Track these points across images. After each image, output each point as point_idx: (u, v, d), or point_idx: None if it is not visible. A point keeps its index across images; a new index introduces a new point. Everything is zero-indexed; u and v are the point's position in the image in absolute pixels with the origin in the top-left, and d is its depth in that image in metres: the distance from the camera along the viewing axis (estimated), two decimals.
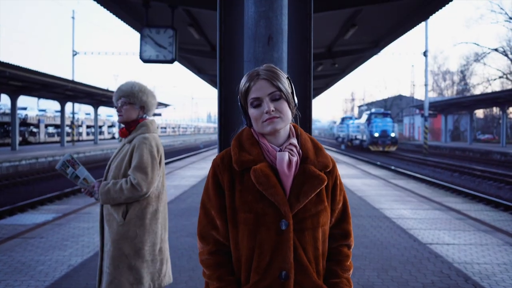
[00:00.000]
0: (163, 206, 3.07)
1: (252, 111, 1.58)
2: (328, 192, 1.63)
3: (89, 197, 3.16)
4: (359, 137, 41.88)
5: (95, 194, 2.99)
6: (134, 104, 3.00)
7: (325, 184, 1.58)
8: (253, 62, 1.82)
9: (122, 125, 3.10)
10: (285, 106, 1.56)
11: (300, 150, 1.61)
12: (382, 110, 42.00)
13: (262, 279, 1.53)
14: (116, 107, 3.06)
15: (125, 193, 2.82)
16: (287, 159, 1.54)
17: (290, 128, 1.64)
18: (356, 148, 42.51)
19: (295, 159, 1.56)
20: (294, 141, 1.61)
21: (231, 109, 2.07)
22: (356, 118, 54.61)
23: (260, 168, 1.53)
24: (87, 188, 2.98)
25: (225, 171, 1.59)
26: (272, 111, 1.53)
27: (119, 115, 3.02)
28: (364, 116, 40.90)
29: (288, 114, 1.58)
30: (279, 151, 1.57)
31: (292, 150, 1.58)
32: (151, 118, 3.18)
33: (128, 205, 2.90)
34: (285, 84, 1.58)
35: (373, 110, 41.80)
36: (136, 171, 2.85)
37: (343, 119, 55.55)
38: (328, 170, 1.62)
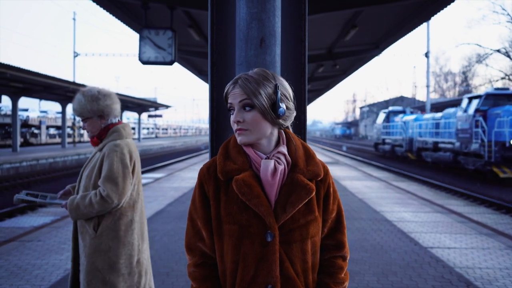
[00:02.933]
0: (139, 215, 2.92)
1: (230, 117, 1.53)
2: (320, 201, 1.56)
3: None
4: (448, 145, 20.47)
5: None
6: (91, 117, 2.83)
7: (314, 194, 1.50)
8: (245, 65, 1.76)
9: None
10: (256, 118, 1.46)
11: (290, 158, 1.53)
12: (510, 90, 19.24)
13: None
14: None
15: (96, 207, 2.67)
16: (272, 167, 1.47)
17: (280, 134, 1.56)
18: (436, 168, 22.94)
19: (281, 167, 1.49)
20: (283, 148, 1.53)
21: (223, 115, 2.00)
22: (412, 112, 31.78)
23: (243, 178, 1.46)
24: (56, 205, 2.86)
25: (211, 181, 1.53)
26: (239, 122, 1.47)
27: (87, 132, 2.88)
28: (471, 104, 18.76)
29: (261, 127, 1.48)
30: (265, 158, 1.50)
31: (279, 158, 1.51)
32: (125, 121, 3.03)
33: (100, 217, 2.76)
34: (262, 95, 1.46)
35: (489, 89, 21.23)
36: (106, 182, 2.69)
37: (389, 114, 32.41)
38: (320, 178, 1.55)
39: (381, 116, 34.48)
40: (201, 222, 1.56)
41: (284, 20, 1.93)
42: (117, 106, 2.94)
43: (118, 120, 2.98)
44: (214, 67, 1.97)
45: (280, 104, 1.48)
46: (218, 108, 1.99)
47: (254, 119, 1.46)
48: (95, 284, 2.70)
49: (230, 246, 1.49)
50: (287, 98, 1.53)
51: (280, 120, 1.51)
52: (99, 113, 2.83)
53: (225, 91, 1.52)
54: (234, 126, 1.49)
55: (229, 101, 1.50)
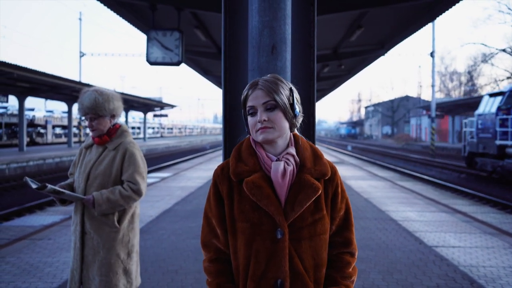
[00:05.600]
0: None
1: (249, 119, 1.60)
2: (328, 200, 1.64)
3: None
4: None
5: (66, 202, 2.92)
6: (104, 116, 2.94)
7: (320, 192, 1.59)
8: (257, 71, 1.85)
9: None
10: (279, 117, 1.56)
11: (298, 159, 1.62)
12: None
13: (257, 287, 1.56)
14: (84, 120, 3.00)
15: (127, 200, 2.84)
16: (281, 169, 1.55)
17: (290, 137, 1.65)
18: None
19: (290, 168, 1.57)
20: (292, 150, 1.62)
21: (236, 117, 2.09)
22: None
23: (252, 180, 1.55)
24: (73, 199, 2.86)
25: (225, 182, 1.63)
26: (264, 120, 1.55)
27: (92, 130, 2.95)
28: None
29: (283, 124, 1.58)
30: (276, 160, 1.59)
31: (288, 159, 1.59)
32: (130, 121, 3.14)
33: (120, 210, 2.91)
34: (283, 95, 1.57)
35: None
36: (137, 177, 2.88)
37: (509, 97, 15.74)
38: (327, 178, 1.63)
39: (486, 101, 18.20)
40: (215, 220, 1.65)
41: (294, 26, 2.02)
42: (122, 108, 3.13)
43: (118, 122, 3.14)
44: (227, 72, 2.06)
45: (295, 105, 1.60)
46: (231, 111, 2.08)
47: (277, 117, 1.56)
48: (119, 274, 2.86)
49: (243, 242, 1.59)
50: (298, 101, 1.64)
51: (295, 120, 1.62)
52: (113, 112, 2.99)
53: (244, 95, 1.62)
54: (257, 126, 1.56)
55: (249, 104, 1.59)
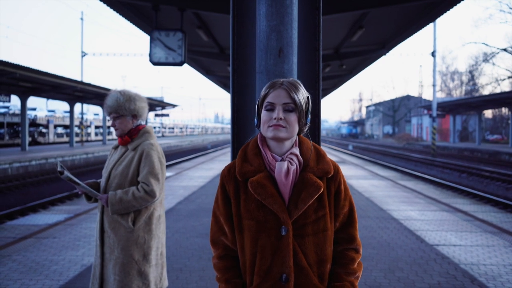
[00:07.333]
0: (163, 211, 3.15)
1: (263, 114, 1.66)
2: (331, 197, 1.70)
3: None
4: None
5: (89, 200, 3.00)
6: (125, 115, 2.99)
7: (322, 190, 1.65)
8: (265, 73, 1.91)
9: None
10: (294, 119, 1.63)
11: (302, 159, 1.68)
12: None
13: (263, 282, 1.63)
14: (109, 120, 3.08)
15: (140, 201, 2.87)
16: (285, 168, 1.62)
17: (295, 139, 1.72)
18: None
19: (293, 167, 1.64)
20: (296, 150, 1.68)
21: (244, 118, 2.16)
22: None
23: (257, 179, 1.62)
24: (89, 194, 2.93)
25: (231, 182, 1.70)
26: (280, 119, 1.61)
27: (115, 129, 3.02)
28: None
29: (295, 127, 1.65)
30: (280, 160, 1.65)
31: (292, 159, 1.66)
32: (149, 124, 3.19)
33: (136, 211, 2.94)
34: (302, 101, 1.65)
35: None
36: (150, 178, 2.90)
37: None
38: (330, 176, 1.69)
39: None
40: (223, 219, 1.73)
41: (300, 30, 2.08)
42: (147, 109, 3.16)
43: (142, 123, 3.17)
44: (235, 74, 2.12)
45: (308, 114, 1.69)
46: (239, 112, 2.14)
47: (293, 120, 1.63)
48: (132, 275, 2.88)
49: (249, 239, 1.66)
50: (309, 110, 1.71)
51: (304, 128, 1.71)
52: (134, 112, 3.03)
53: (265, 92, 1.68)
54: (271, 122, 1.63)
55: (269, 100, 1.65)
